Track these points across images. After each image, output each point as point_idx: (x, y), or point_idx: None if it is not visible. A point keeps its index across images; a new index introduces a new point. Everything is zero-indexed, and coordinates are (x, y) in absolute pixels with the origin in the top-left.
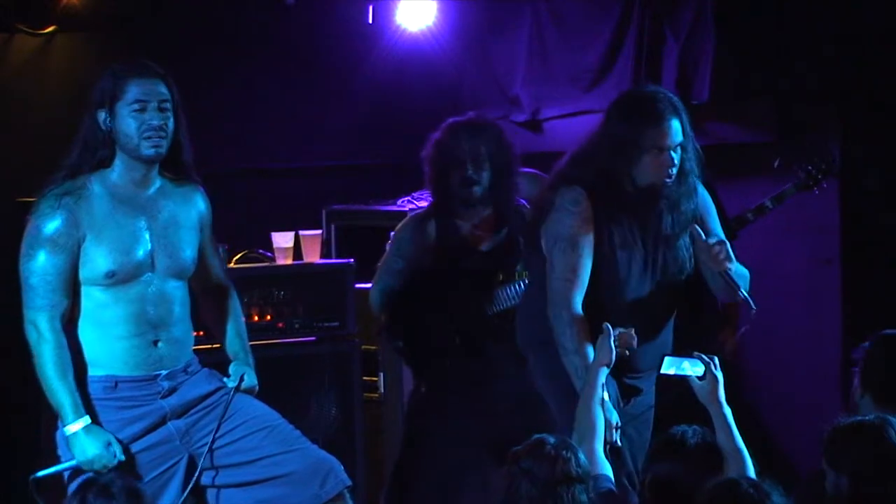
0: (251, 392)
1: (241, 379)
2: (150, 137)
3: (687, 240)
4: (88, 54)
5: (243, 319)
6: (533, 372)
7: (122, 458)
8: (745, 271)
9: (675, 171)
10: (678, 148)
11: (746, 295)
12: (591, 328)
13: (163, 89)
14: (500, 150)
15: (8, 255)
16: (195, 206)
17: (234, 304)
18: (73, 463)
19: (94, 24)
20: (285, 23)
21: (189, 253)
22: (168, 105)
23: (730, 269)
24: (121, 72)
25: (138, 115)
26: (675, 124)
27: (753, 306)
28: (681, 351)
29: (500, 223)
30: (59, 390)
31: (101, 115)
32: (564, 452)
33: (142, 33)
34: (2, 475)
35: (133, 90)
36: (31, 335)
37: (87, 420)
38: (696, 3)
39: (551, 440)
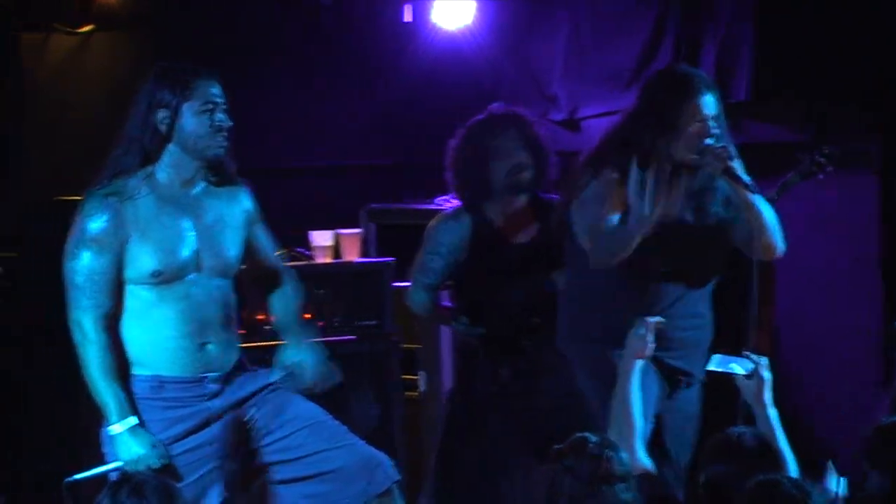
0: (313, 373)
1: (290, 372)
2: (218, 137)
3: (721, 212)
4: (125, 53)
5: (301, 301)
6: (574, 368)
7: (167, 460)
8: (772, 214)
9: (712, 141)
10: (714, 119)
11: (757, 192)
12: (627, 306)
13: (220, 89)
14: (533, 138)
15: (48, 252)
16: (240, 205)
17: (293, 286)
18: (114, 465)
19: (130, 23)
20: (322, 22)
21: (234, 252)
22: (225, 106)
23: (733, 168)
24: (183, 72)
25: (210, 116)
26: (710, 97)
27: (756, 198)
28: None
29: (533, 215)
30: (104, 391)
31: (161, 115)
32: (607, 451)
33: (178, 32)
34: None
35: (203, 91)
36: (77, 336)
37: (132, 421)
38: (735, 2)
39: (594, 439)
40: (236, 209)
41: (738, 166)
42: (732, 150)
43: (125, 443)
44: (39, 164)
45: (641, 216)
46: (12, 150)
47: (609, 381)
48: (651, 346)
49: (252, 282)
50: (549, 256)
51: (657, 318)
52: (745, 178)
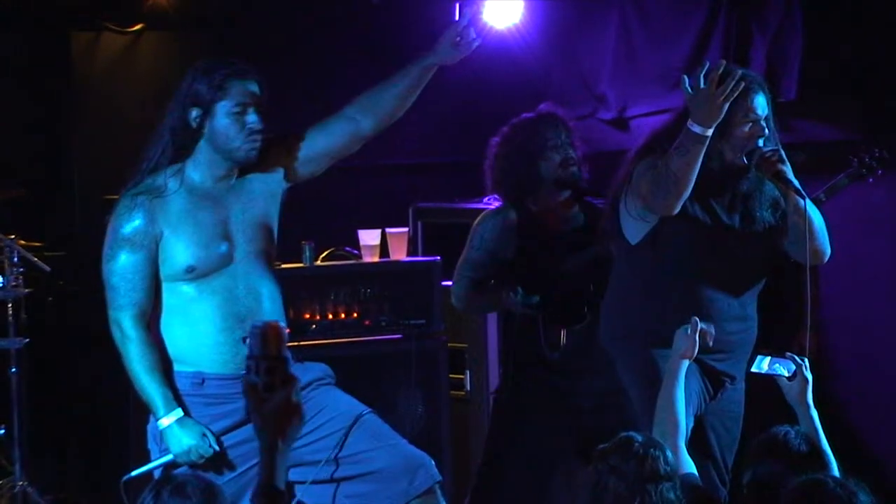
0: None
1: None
2: (250, 140)
3: (768, 216)
4: (175, 52)
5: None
6: (617, 366)
7: (217, 448)
8: (821, 219)
9: (761, 143)
10: (765, 120)
11: (806, 196)
12: (673, 307)
13: (258, 90)
14: (574, 139)
15: (96, 251)
16: (270, 183)
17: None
18: (165, 459)
19: (181, 23)
20: (371, 21)
21: (271, 233)
22: (262, 108)
23: (783, 172)
24: (220, 71)
25: (239, 117)
26: (762, 97)
27: (806, 203)
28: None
29: (578, 209)
30: (149, 386)
31: (193, 113)
32: (652, 450)
33: (228, 31)
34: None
35: (235, 91)
36: (116, 335)
37: (179, 412)
38: (784, 1)
39: (639, 438)
40: (271, 173)
41: (787, 170)
42: (781, 153)
43: (175, 435)
44: (88, 162)
45: (686, 132)
46: (62, 149)
47: (653, 380)
48: (697, 346)
49: (353, 127)
50: (590, 252)
51: (709, 325)
52: (795, 182)
